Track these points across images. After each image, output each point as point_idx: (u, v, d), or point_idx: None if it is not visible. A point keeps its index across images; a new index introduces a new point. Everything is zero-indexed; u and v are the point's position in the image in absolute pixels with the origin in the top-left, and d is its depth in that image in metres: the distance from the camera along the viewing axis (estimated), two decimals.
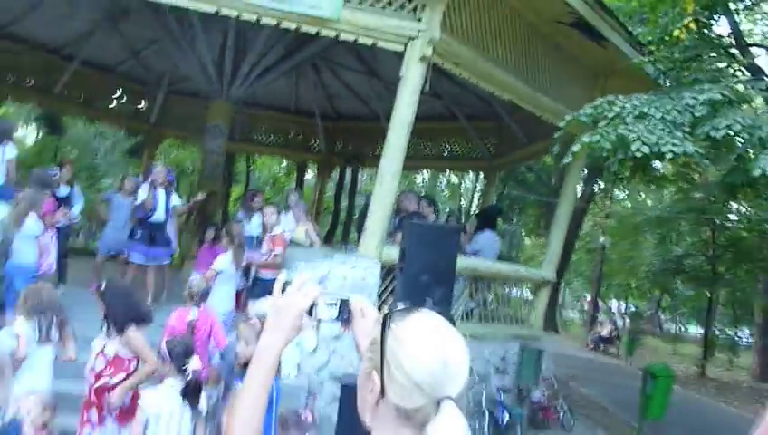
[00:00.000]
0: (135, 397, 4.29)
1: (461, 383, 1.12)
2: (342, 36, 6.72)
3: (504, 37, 7.67)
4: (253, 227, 8.27)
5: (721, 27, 11.23)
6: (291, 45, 9.75)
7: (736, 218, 18.66)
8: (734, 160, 7.58)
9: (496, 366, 8.36)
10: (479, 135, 12.91)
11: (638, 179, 9.95)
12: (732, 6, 10.32)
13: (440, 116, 12.62)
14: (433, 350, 1.12)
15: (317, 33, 6.84)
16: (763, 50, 15.70)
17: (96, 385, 4.26)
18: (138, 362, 4.28)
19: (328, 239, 15.46)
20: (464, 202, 29.10)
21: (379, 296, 6.84)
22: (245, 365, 3.73)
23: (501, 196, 22.58)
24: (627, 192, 27.49)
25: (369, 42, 6.72)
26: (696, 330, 33.74)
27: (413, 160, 11.68)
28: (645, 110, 6.89)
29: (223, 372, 4.73)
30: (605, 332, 24.49)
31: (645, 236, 22.42)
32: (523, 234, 30.79)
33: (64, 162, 8.91)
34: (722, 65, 9.06)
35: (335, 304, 1.46)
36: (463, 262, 7.35)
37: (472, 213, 23.36)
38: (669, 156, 6.55)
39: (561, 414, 9.18)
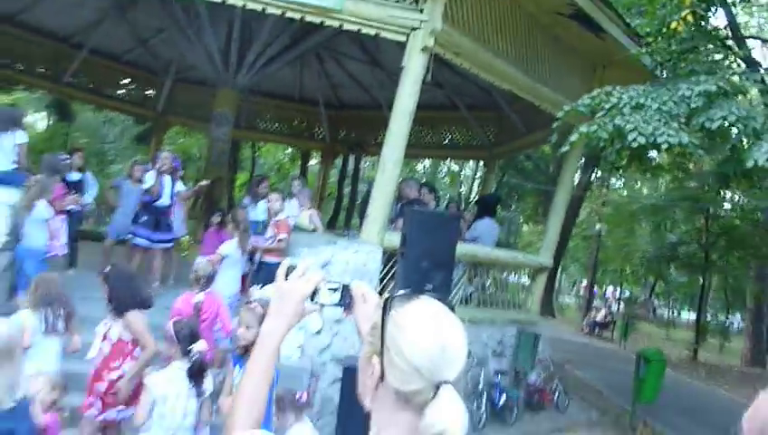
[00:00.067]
0: (140, 380, 4.33)
1: (459, 368, 1.12)
2: (346, 26, 6.69)
3: (504, 28, 7.64)
4: (258, 212, 8.27)
5: (718, 19, 11.14)
6: (295, 35, 9.71)
7: (729, 207, 18.67)
8: (729, 151, 7.56)
9: (494, 349, 8.39)
10: (479, 124, 12.89)
11: (634, 168, 9.93)
12: None
13: (441, 105, 12.59)
14: (432, 335, 1.12)
15: (321, 23, 6.81)
16: (759, 42, 15.59)
17: (101, 367, 4.29)
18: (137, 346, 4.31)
19: (331, 225, 15.47)
20: (464, 189, 29.05)
21: (381, 281, 6.86)
22: (245, 348, 3.76)
23: (500, 184, 22.55)
24: (623, 181, 27.46)
25: (372, 32, 6.69)
26: (688, 315, 33.88)
27: (414, 148, 11.65)
28: (642, 100, 6.87)
29: (231, 355, 4.75)
30: (600, 317, 24.54)
31: (640, 223, 22.43)
32: (522, 221, 30.78)
33: (75, 149, 8.92)
34: (718, 57, 9.01)
35: (337, 290, 1.46)
36: (462, 248, 7.36)
37: (471, 200, 23.36)
38: (665, 146, 6.53)
39: (557, 396, 9.24)
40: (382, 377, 1.14)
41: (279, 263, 1.53)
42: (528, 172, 24.22)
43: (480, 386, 7.74)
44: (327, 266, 6.42)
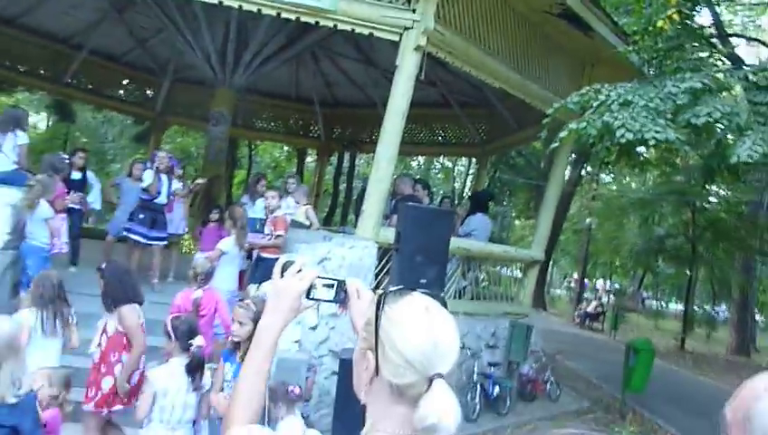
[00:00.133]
0: (141, 376, 4.32)
1: (451, 361, 1.12)
2: (340, 26, 6.69)
3: (495, 27, 7.64)
4: (257, 209, 8.26)
5: (703, 18, 11.17)
6: (291, 35, 9.69)
7: (715, 200, 18.72)
8: (714, 146, 7.58)
9: (487, 342, 8.41)
10: (471, 121, 12.90)
11: (622, 164, 9.94)
12: None
13: (434, 103, 12.58)
14: (424, 330, 1.12)
15: (316, 23, 6.79)
16: (743, 40, 15.63)
17: (100, 361, 4.29)
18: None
19: (327, 221, 15.48)
20: (457, 185, 29.08)
21: (376, 276, 6.86)
22: (237, 344, 3.75)
23: (492, 179, 22.60)
24: (612, 176, 27.50)
25: (366, 31, 6.68)
26: (676, 306, 33.96)
27: (408, 146, 11.66)
28: (629, 97, 6.88)
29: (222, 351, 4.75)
30: (591, 308, 24.60)
31: (629, 217, 22.43)
32: (514, 216, 30.87)
33: (78, 149, 8.90)
34: (703, 55, 9.04)
35: (332, 286, 1.46)
36: (456, 243, 7.37)
37: (465, 195, 23.38)
38: (652, 142, 6.54)
39: (549, 386, 9.28)
40: (377, 371, 1.14)
41: (277, 259, 1.53)
42: (520, 168, 24.26)
43: (474, 377, 7.77)
44: (324, 262, 6.42)
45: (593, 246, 27.28)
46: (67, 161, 7.61)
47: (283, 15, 6.65)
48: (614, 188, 27.59)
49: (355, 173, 20.16)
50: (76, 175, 8.03)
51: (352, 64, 12.48)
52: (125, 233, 8.02)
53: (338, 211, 18.65)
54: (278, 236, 6.97)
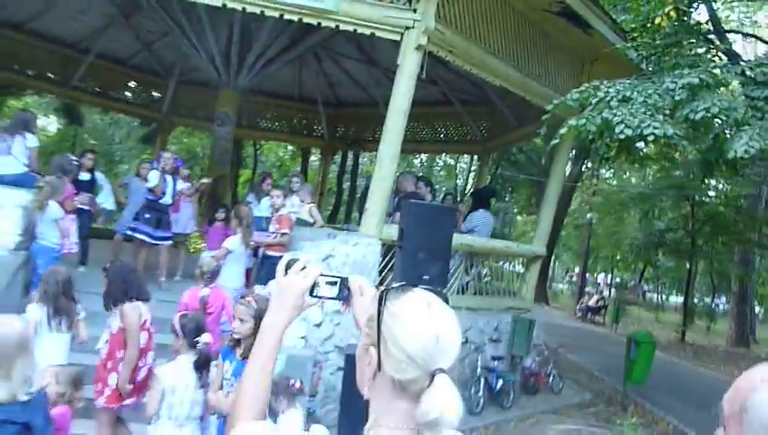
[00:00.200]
0: (150, 371, 4.33)
1: (453, 356, 1.12)
2: (342, 27, 6.68)
3: (495, 26, 7.62)
4: (262, 208, 8.27)
5: (700, 14, 11.12)
6: (294, 36, 9.69)
7: (714, 194, 18.69)
8: (711, 140, 7.55)
9: (490, 336, 8.41)
10: (473, 119, 12.87)
11: (622, 159, 9.90)
12: None
13: (436, 101, 12.57)
14: (426, 326, 1.12)
15: (318, 24, 6.79)
16: (740, 36, 15.54)
17: (107, 357, 4.30)
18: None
19: (332, 219, 15.49)
20: (459, 182, 29.04)
21: (380, 273, 6.86)
22: (236, 341, 3.75)
23: (494, 176, 22.54)
24: (612, 171, 27.43)
25: (368, 32, 6.67)
26: (676, 299, 33.92)
27: (410, 144, 11.63)
28: (628, 94, 6.86)
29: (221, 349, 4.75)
30: (592, 302, 24.58)
31: (629, 211, 22.39)
32: (515, 211, 30.80)
33: (87, 151, 8.92)
34: (700, 51, 8.98)
35: (335, 283, 1.46)
36: (458, 239, 7.37)
37: (467, 192, 23.36)
38: (651, 138, 6.52)
39: (551, 379, 9.27)
40: (379, 367, 1.14)
41: (282, 257, 1.53)
42: (521, 164, 24.21)
43: (478, 371, 7.76)
44: (328, 259, 6.43)
45: (594, 240, 27.24)
46: (76, 163, 7.63)
47: (286, 17, 6.65)
48: (614, 183, 27.52)
49: (358, 171, 20.15)
50: (84, 176, 8.05)
51: (354, 64, 12.47)
52: (129, 232, 8.03)
53: (342, 209, 18.67)
54: (283, 234, 6.98)
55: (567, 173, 18.88)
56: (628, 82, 7.20)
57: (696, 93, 6.80)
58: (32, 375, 2.70)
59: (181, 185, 8.51)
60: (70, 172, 6.98)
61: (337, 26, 6.68)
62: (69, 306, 4.44)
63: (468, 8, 7.18)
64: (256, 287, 6.14)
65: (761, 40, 13.85)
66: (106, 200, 8.54)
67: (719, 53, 9.35)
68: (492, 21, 7.56)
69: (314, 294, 1.44)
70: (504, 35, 7.77)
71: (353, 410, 4.27)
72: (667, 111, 6.81)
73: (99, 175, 8.57)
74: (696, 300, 24.91)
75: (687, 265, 21.01)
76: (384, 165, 6.90)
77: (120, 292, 4.34)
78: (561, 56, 8.90)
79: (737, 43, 15.56)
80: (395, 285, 1.21)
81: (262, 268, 7.03)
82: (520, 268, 10.09)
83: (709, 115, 6.53)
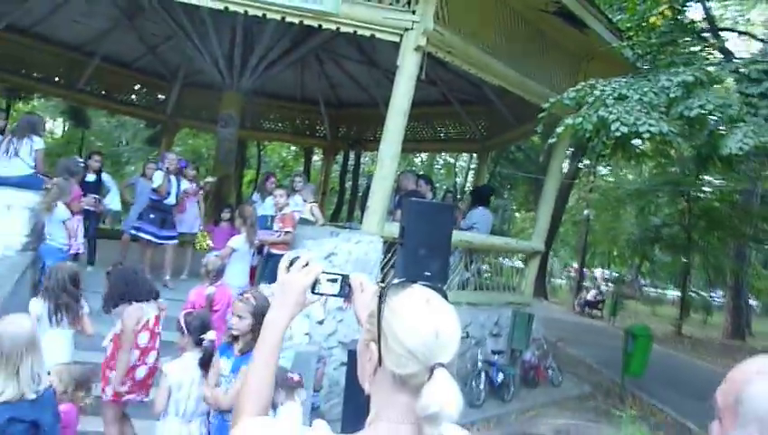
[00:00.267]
0: (152, 370, 4.33)
1: (452, 351, 1.12)
2: (342, 29, 6.68)
3: (492, 26, 7.61)
4: (266, 207, 8.27)
5: (695, 13, 11.09)
6: (295, 38, 9.67)
7: (709, 190, 18.63)
8: (706, 137, 7.54)
9: (491, 330, 8.41)
10: (472, 118, 12.86)
11: (618, 156, 9.87)
12: None
13: (435, 101, 12.55)
14: (426, 321, 1.12)
15: (319, 27, 6.78)
16: (734, 33, 15.50)
17: (110, 356, 4.29)
18: (139, 334, 4.27)
19: (334, 218, 15.47)
20: (459, 180, 29.01)
21: (382, 270, 6.86)
22: (235, 337, 3.74)
23: (493, 174, 22.53)
24: (609, 168, 27.38)
25: (368, 33, 6.67)
26: (672, 293, 33.81)
27: (411, 143, 11.61)
28: (624, 92, 6.85)
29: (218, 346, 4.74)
30: (590, 296, 24.58)
31: (626, 208, 22.36)
32: (514, 208, 30.77)
33: (94, 153, 8.92)
34: (695, 49, 8.97)
35: (336, 280, 1.46)
36: (458, 236, 7.37)
37: (467, 190, 23.33)
38: (647, 135, 6.50)
39: (551, 372, 9.28)
40: (380, 362, 1.14)
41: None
42: (519, 162, 24.20)
43: (479, 365, 7.77)
44: (331, 257, 6.42)
45: (592, 236, 27.23)
46: (82, 165, 7.62)
47: (288, 19, 6.65)
48: (611, 180, 27.46)
49: (360, 171, 20.11)
50: (91, 177, 8.04)
51: (355, 66, 12.46)
52: (134, 232, 8.03)
53: (344, 208, 18.65)
54: (287, 232, 6.98)
55: (564, 170, 18.85)
56: (624, 80, 7.19)
57: (690, 91, 6.79)
58: (40, 373, 2.70)
59: (185, 185, 8.52)
60: (76, 174, 6.97)
61: (338, 28, 6.68)
62: (71, 302, 4.37)
63: (466, 9, 7.17)
64: (262, 285, 6.14)
65: (754, 37, 13.84)
66: (112, 201, 8.54)
67: (714, 51, 9.34)
68: (489, 22, 7.56)
69: (316, 292, 1.44)
70: (501, 36, 7.76)
71: (356, 404, 4.27)
72: (663, 109, 6.79)
73: (105, 176, 8.56)
74: (692, 294, 24.81)
75: (683, 260, 20.99)
76: (385, 164, 6.90)
77: (119, 295, 4.29)
78: (558, 55, 8.89)
79: (731, 41, 15.52)
80: (395, 281, 1.21)
81: (266, 266, 7.04)
82: (519, 264, 10.10)
83: (704, 112, 6.52)
